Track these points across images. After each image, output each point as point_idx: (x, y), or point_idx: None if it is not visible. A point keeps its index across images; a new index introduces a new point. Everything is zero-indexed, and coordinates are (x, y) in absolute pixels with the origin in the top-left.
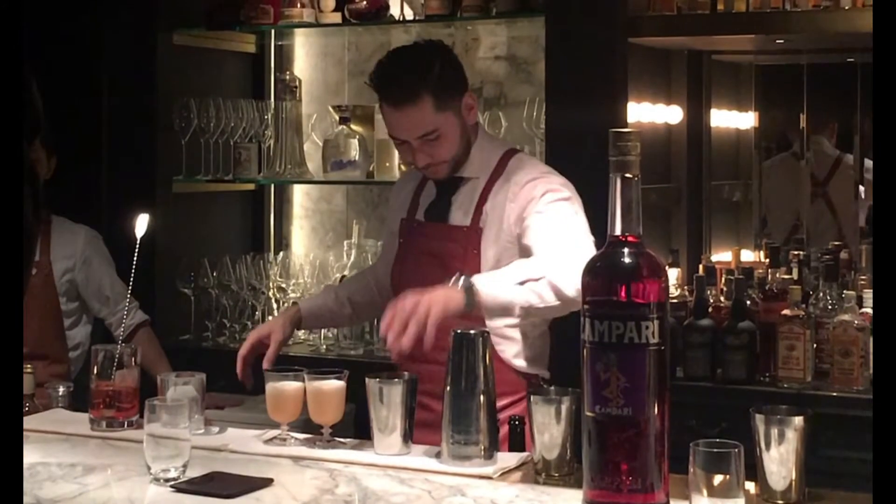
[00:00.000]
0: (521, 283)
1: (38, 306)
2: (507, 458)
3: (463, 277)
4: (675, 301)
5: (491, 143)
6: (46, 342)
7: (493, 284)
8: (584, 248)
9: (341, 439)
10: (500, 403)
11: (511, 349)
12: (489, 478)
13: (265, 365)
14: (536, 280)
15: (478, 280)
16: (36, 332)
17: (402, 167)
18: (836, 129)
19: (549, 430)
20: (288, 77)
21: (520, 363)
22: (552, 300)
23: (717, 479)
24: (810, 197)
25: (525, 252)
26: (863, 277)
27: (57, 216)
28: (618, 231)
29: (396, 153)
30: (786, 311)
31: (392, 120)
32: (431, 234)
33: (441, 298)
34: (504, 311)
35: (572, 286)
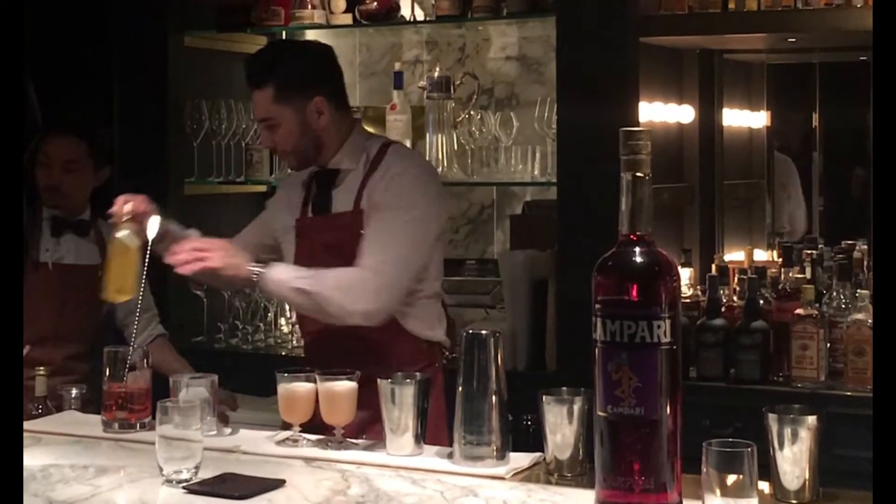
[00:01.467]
0: (302, 291)
1: (95, 306)
2: (520, 459)
3: (265, 267)
4: (687, 301)
5: (368, 139)
6: (85, 337)
7: (278, 284)
8: (382, 271)
9: (353, 440)
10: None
11: (408, 319)
12: (501, 478)
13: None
14: (312, 293)
15: (269, 275)
16: (78, 328)
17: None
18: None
19: (561, 430)
20: None
21: (418, 330)
22: (318, 313)
23: (731, 478)
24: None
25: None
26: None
27: (104, 221)
28: (629, 230)
29: None
30: (799, 311)
31: (251, 99)
32: (318, 225)
33: (231, 263)
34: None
35: (338, 309)
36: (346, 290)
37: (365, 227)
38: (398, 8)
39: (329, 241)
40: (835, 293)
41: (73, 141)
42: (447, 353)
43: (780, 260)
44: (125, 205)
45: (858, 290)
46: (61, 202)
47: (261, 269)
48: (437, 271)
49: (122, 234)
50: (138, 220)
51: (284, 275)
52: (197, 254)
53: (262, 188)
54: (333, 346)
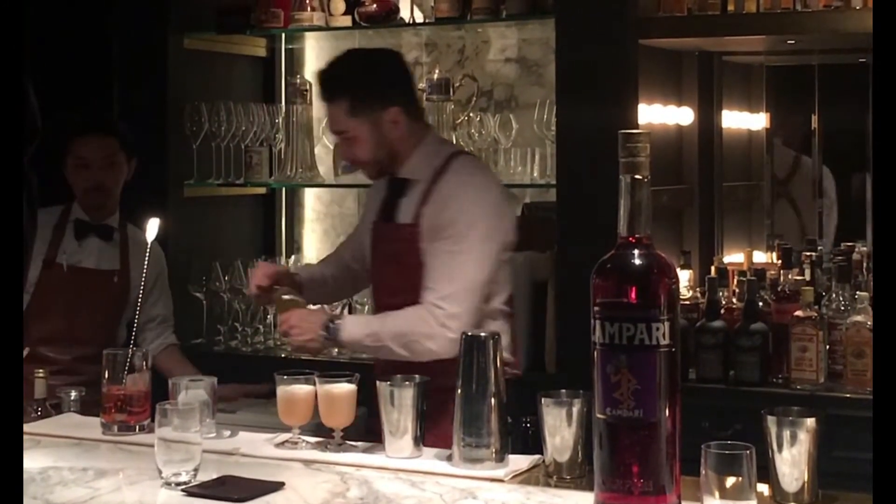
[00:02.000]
0: (372, 348)
1: (108, 310)
2: (519, 461)
3: (332, 326)
4: (687, 303)
5: (437, 148)
6: (97, 340)
7: (350, 344)
8: (446, 304)
9: (352, 442)
10: None
11: None
12: (500, 480)
13: (261, 282)
14: (382, 347)
15: (341, 337)
16: (90, 331)
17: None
18: (795, 129)
19: (560, 432)
20: (298, 80)
21: None
22: (396, 357)
23: (730, 481)
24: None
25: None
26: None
27: (131, 225)
28: (627, 232)
29: None
30: (798, 313)
31: (325, 111)
32: (382, 233)
33: (303, 342)
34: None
35: (411, 353)
36: (413, 334)
37: (423, 247)
38: (397, 10)
39: (391, 251)
40: (834, 295)
41: (105, 138)
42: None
43: (780, 262)
44: (264, 280)
45: (858, 292)
46: (103, 199)
47: (330, 335)
48: (503, 286)
49: (286, 296)
50: (283, 282)
51: (354, 334)
52: (285, 328)
53: (262, 190)
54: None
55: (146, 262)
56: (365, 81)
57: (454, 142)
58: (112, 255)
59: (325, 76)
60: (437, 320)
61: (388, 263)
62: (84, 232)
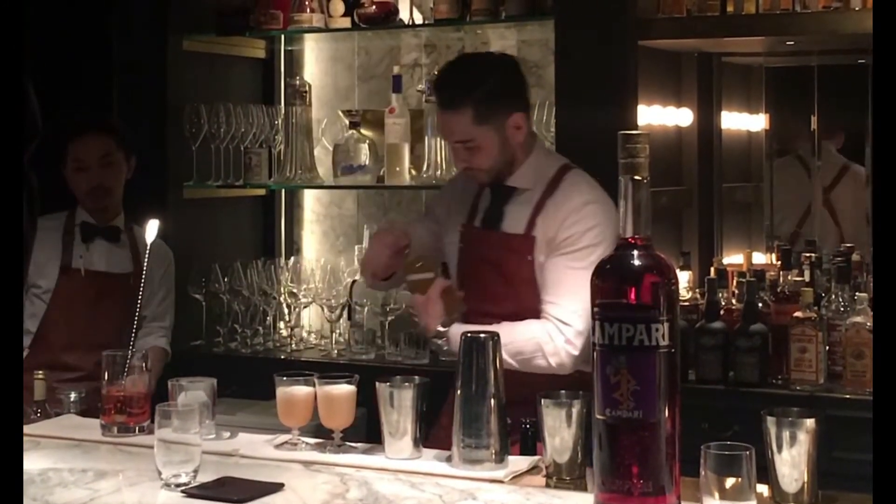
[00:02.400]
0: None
1: (127, 313)
2: (519, 462)
3: (439, 336)
4: (686, 304)
5: (547, 158)
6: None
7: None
8: (571, 321)
9: (352, 444)
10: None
11: None
12: (500, 481)
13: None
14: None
15: (454, 339)
16: (111, 335)
17: (413, 171)
18: (844, 136)
19: (559, 433)
20: (298, 82)
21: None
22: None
23: (729, 481)
24: (817, 202)
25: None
26: None
27: (136, 226)
28: (627, 233)
29: (407, 157)
30: (798, 314)
31: (439, 120)
32: (486, 240)
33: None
34: None
35: (530, 367)
36: (536, 348)
37: (535, 259)
38: (397, 11)
39: (493, 258)
40: (833, 296)
41: (102, 136)
42: None
43: (779, 263)
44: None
45: (857, 293)
46: (106, 200)
47: (444, 333)
48: None
49: (417, 276)
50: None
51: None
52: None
53: (261, 191)
54: None
55: (145, 263)
56: (490, 88)
57: None
58: (123, 257)
59: (445, 84)
60: (565, 337)
61: (485, 269)
62: (91, 235)
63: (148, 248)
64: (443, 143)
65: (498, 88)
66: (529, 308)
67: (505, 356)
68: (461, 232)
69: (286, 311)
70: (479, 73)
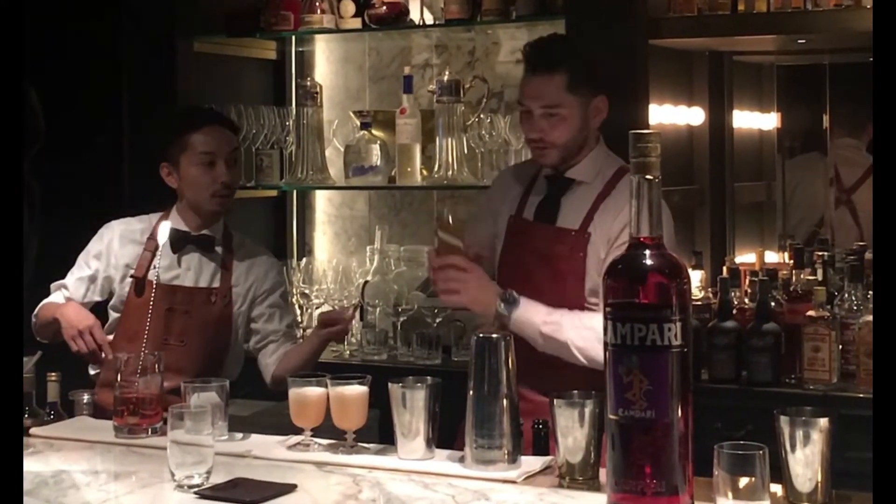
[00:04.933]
0: (549, 337)
1: (212, 336)
2: (531, 462)
3: (512, 307)
4: (699, 303)
5: (608, 157)
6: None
7: (525, 326)
8: None
9: (365, 444)
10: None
11: None
12: (513, 482)
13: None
14: (559, 340)
15: (516, 317)
16: (199, 364)
17: (424, 171)
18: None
19: (572, 433)
20: (309, 83)
21: None
22: (559, 355)
23: (743, 481)
24: (834, 202)
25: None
26: None
27: (240, 235)
28: (639, 232)
29: (418, 158)
30: (811, 313)
31: (526, 85)
32: (538, 233)
33: (481, 301)
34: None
35: (584, 358)
36: (594, 339)
37: (590, 255)
38: (407, 12)
39: (543, 252)
40: (846, 295)
41: (228, 132)
42: None
43: (792, 262)
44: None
45: (870, 292)
46: (228, 202)
47: (507, 312)
48: None
49: (445, 236)
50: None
51: (533, 317)
52: (453, 284)
53: (273, 193)
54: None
55: (157, 265)
56: (586, 59)
57: (464, 144)
58: (210, 270)
59: (543, 47)
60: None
61: (536, 263)
62: (181, 243)
63: (160, 250)
64: (454, 143)
65: (593, 63)
66: (573, 305)
67: (571, 337)
68: (509, 223)
69: (298, 312)
70: (574, 45)
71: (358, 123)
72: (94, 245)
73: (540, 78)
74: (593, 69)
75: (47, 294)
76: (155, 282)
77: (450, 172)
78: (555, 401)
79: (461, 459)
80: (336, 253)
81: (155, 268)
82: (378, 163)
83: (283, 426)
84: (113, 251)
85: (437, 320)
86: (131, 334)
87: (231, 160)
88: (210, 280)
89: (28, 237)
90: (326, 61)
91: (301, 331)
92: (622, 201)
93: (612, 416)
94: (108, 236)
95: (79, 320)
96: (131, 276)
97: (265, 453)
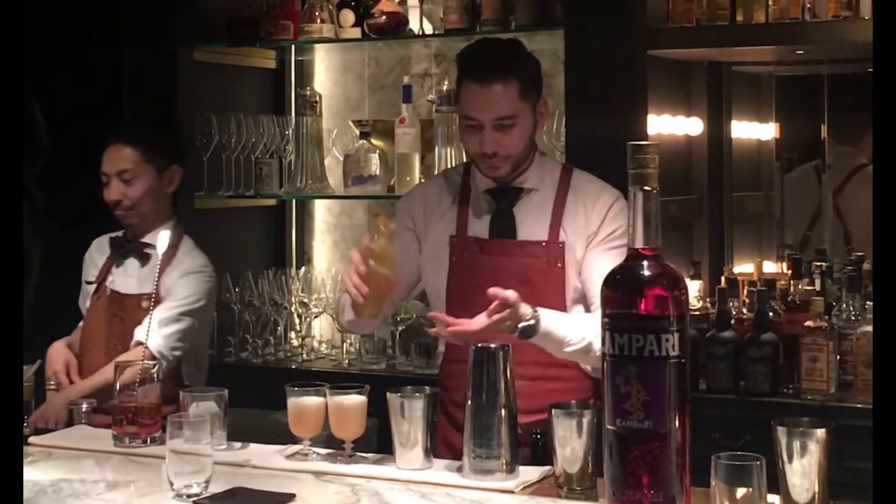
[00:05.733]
0: (579, 353)
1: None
2: (529, 472)
3: (530, 323)
4: (697, 313)
5: (548, 159)
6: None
7: (551, 342)
8: None
9: (363, 454)
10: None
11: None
12: (511, 492)
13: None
14: (590, 353)
15: (542, 331)
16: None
17: (423, 181)
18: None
19: (570, 443)
20: (308, 92)
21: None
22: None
23: (740, 492)
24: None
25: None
26: None
27: (189, 241)
28: (637, 243)
29: (417, 167)
30: (809, 323)
31: (473, 97)
32: (501, 250)
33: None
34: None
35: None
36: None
37: (569, 265)
38: (407, 21)
39: (512, 269)
40: (844, 305)
41: (124, 149)
42: None
43: (790, 272)
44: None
45: (868, 302)
46: (131, 217)
47: (527, 336)
48: None
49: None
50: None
51: (556, 332)
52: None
53: (272, 202)
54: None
55: (157, 275)
56: (532, 62)
57: (463, 153)
58: (148, 278)
59: (489, 55)
60: None
61: (505, 283)
62: (121, 251)
63: (159, 258)
64: (454, 152)
65: (532, 64)
66: None
67: (594, 340)
68: (453, 243)
69: (297, 321)
70: (519, 48)
71: (357, 133)
72: (85, 257)
73: (490, 86)
74: (539, 70)
75: (51, 305)
76: (109, 289)
77: None
78: (553, 410)
79: (459, 469)
80: (335, 262)
81: (111, 275)
82: (377, 172)
83: (282, 435)
84: (92, 261)
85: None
86: (87, 339)
87: (125, 179)
88: (143, 286)
89: (32, 247)
90: (326, 70)
91: (300, 339)
92: (593, 199)
93: (609, 427)
94: (90, 248)
95: (53, 360)
96: (86, 283)
97: (264, 462)
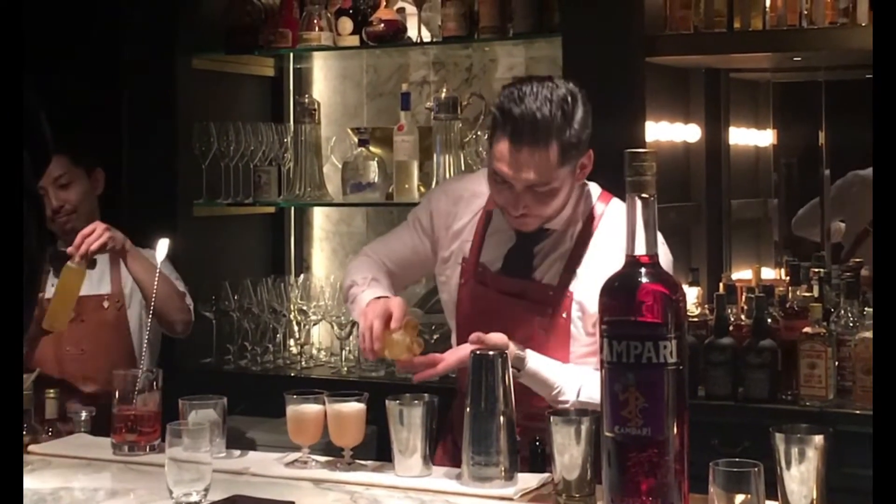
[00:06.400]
0: (565, 395)
1: (110, 341)
2: (528, 479)
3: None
4: (695, 320)
5: (585, 192)
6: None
7: (540, 385)
8: None
9: (362, 461)
10: None
11: None
12: (510, 499)
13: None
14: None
15: (528, 371)
16: (104, 371)
17: (422, 188)
18: None
19: (569, 450)
20: (307, 100)
21: None
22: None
23: (738, 498)
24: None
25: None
26: None
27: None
28: (635, 251)
29: (416, 175)
30: (807, 329)
31: (503, 155)
32: (511, 288)
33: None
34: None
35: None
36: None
37: (574, 316)
38: (405, 29)
39: (516, 308)
40: (843, 311)
41: (60, 158)
42: None
43: (788, 278)
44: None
45: (866, 308)
46: (71, 221)
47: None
48: None
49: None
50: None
51: (547, 378)
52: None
53: (271, 209)
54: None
55: (156, 282)
56: (582, 116)
57: (462, 160)
58: (99, 278)
59: (539, 117)
60: None
61: (504, 320)
62: (61, 261)
63: (158, 266)
64: (452, 160)
65: (584, 124)
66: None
67: (571, 398)
68: (462, 267)
69: (296, 328)
70: (569, 105)
71: (356, 140)
72: None
73: (527, 153)
74: (587, 122)
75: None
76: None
77: None
78: (551, 417)
79: (458, 476)
80: (334, 269)
81: (52, 286)
82: (376, 179)
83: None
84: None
85: (435, 336)
86: (40, 345)
87: (61, 184)
88: (98, 287)
89: (37, 251)
90: (324, 78)
91: (298, 347)
92: (607, 255)
93: (608, 434)
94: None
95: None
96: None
97: (263, 470)
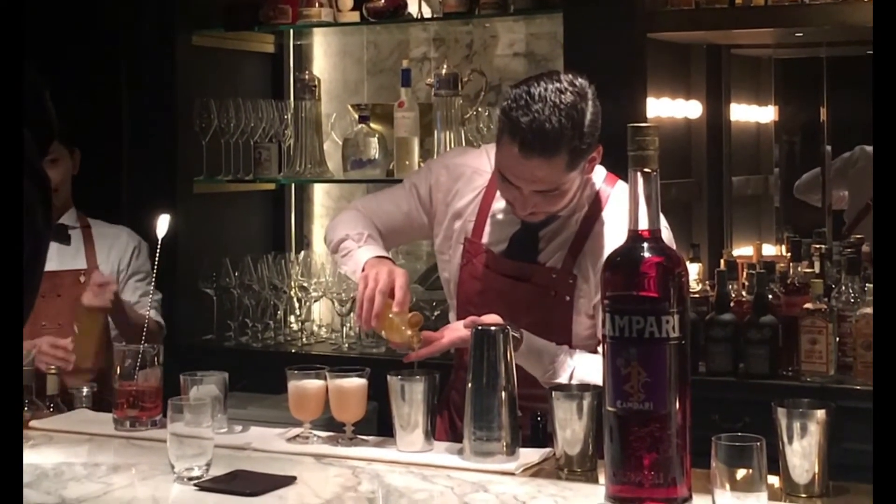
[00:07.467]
0: (560, 377)
1: (89, 320)
2: (530, 454)
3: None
4: (696, 296)
5: (591, 176)
6: (99, 358)
7: (532, 364)
8: None
9: (364, 437)
10: None
11: None
12: (511, 474)
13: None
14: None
15: (525, 348)
16: (86, 350)
17: (422, 165)
18: None
19: (570, 425)
20: (307, 76)
21: None
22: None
23: (740, 473)
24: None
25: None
26: None
27: (93, 220)
28: (637, 226)
29: (416, 151)
30: (808, 305)
31: (512, 162)
32: (515, 271)
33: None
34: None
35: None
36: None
37: (578, 300)
38: (405, 5)
39: (519, 292)
40: (843, 287)
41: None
42: None
43: (789, 254)
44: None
45: (867, 284)
46: (55, 199)
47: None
48: None
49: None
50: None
51: (537, 363)
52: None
53: (271, 186)
54: None
55: (156, 259)
56: (591, 121)
57: (463, 137)
58: (72, 255)
59: (548, 128)
60: None
61: (506, 303)
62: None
63: (159, 243)
64: (453, 136)
65: (593, 126)
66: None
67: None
68: (465, 247)
69: (297, 305)
70: (577, 111)
71: (356, 117)
72: None
73: (534, 162)
74: (597, 123)
75: None
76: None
77: None
78: (553, 392)
79: (460, 451)
80: None
81: None
82: (376, 156)
83: (283, 418)
84: None
85: (436, 313)
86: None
87: (50, 160)
88: (74, 262)
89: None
90: (324, 55)
91: (299, 323)
92: (612, 233)
93: (610, 409)
94: None
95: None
96: None
97: (264, 446)
